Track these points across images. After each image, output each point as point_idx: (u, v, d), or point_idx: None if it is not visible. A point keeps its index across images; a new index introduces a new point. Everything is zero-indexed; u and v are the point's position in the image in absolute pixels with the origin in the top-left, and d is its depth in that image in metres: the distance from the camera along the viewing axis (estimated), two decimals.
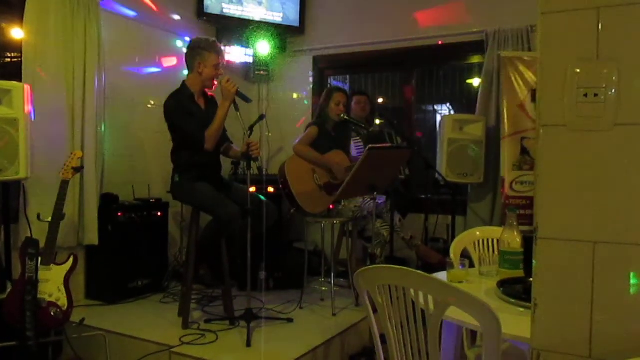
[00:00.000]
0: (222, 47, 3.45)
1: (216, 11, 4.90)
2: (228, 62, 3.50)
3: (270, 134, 5.34)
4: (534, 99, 3.93)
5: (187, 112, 3.28)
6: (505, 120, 4.03)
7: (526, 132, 3.98)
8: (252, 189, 3.20)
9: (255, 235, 3.12)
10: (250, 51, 5.15)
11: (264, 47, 5.07)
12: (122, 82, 4.22)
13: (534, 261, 1.11)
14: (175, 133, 3.38)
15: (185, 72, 3.51)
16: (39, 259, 2.77)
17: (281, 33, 5.19)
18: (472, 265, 2.29)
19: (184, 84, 3.39)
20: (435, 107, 5.64)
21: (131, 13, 4.28)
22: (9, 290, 2.93)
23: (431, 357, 1.52)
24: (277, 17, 5.15)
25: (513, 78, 4.01)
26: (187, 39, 4.79)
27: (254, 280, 3.67)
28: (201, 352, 2.85)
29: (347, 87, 5.73)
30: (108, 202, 3.85)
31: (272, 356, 2.82)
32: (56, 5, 3.56)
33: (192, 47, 3.39)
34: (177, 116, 3.28)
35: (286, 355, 2.82)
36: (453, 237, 3.61)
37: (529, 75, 3.96)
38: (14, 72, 3.45)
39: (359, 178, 3.24)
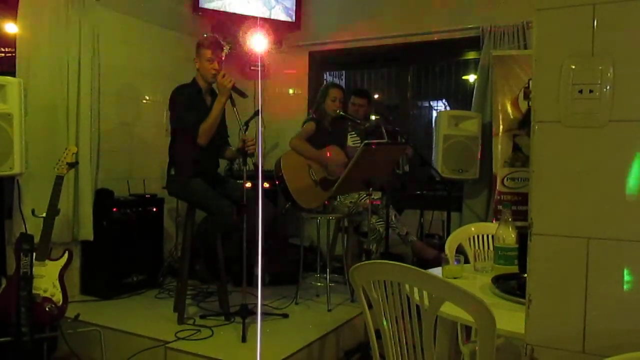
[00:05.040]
0: (222, 43, 3.43)
1: (212, 6, 4.88)
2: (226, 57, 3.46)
3: (265, 130, 5.33)
4: (526, 96, 3.95)
5: (189, 104, 3.29)
6: (498, 118, 4.05)
7: (518, 129, 4.00)
8: (248, 185, 3.20)
9: (251, 230, 3.12)
10: (246, 46, 5.13)
11: (259, 42, 5.04)
12: (117, 77, 4.20)
13: (528, 257, 1.11)
14: (174, 124, 3.39)
15: (181, 67, 3.51)
16: (34, 254, 2.77)
17: (277, 28, 5.17)
18: (467, 261, 2.29)
19: (193, 79, 3.43)
20: (431, 103, 5.64)
21: (126, 7, 4.26)
22: (3, 286, 2.93)
23: (426, 352, 1.53)
24: (273, 13, 5.13)
25: (505, 76, 4.03)
26: (183, 34, 4.79)
27: (249, 275, 3.67)
28: (196, 348, 2.85)
29: (342, 83, 5.72)
30: (103, 197, 3.84)
31: (267, 351, 2.81)
32: (51, 0, 3.53)
33: (196, 45, 3.42)
34: (179, 107, 3.30)
35: (281, 351, 2.82)
36: (448, 233, 3.61)
37: (521, 73, 3.98)
38: (7, 67, 3.43)
39: (355, 174, 3.24)
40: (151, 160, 4.43)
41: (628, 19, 1.02)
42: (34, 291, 2.74)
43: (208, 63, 3.31)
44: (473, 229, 2.64)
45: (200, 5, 4.82)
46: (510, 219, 2.09)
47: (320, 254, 4.17)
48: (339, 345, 3.27)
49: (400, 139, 4.33)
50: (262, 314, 3.37)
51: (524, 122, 3.91)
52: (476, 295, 1.42)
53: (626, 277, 1.03)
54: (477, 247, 2.53)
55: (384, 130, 4.27)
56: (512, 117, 4.01)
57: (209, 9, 4.88)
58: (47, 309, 2.78)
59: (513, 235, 2.07)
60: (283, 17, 5.18)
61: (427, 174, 4.27)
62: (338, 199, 4.00)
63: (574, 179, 1.07)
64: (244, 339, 2.93)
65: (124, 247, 3.84)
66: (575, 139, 1.07)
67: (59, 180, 2.97)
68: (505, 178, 4.03)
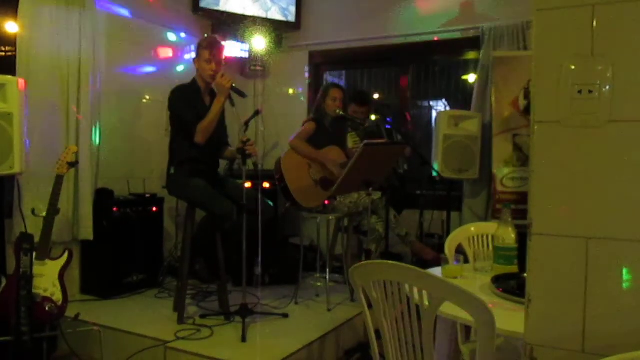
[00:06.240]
0: (221, 44, 3.44)
1: (212, 6, 4.88)
2: (226, 58, 3.47)
3: (265, 130, 5.33)
4: (526, 97, 3.96)
5: (188, 103, 3.30)
6: (498, 118, 4.05)
7: (518, 129, 4.01)
8: (248, 185, 3.20)
9: (251, 230, 3.12)
10: (245, 46, 5.14)
11: (259, 42, 5.06)
12: (117, 76, 4.20)
13: (528, 257, 1.11)
14: (174, 124, 3.40)
15: (181, 67, 3.51)
16: (34, 254, 2.77)
17: (277, 28, 5.17)
18: (466, 261, 2.29)
19: (193, 79, 3.44)
20: (431, 103, 5.65)
21: (126, 7, 4.26)
22: (3, 285, 2.93)
23: (425, 352, 1.53)
24: (272, 13, 5.13)
25: (505, 76, 4.04)
26: (183, 35, 4.79)
27: (249, 275, 3.67)
28: (196, 347, 2.85)
29: (342, 83, 5.72)
30: (103, 197, 3.84)
31: (267, 351, 2.82)
32: (51, 0, 3.53)
33: (196, 45, 3.44)
34: (178, 105, 3.31)
35: (281, 351, 2.82)
36: (448, 233, 3.61)
37: (522, 74, 3.98)
38: (8, 66, 3.43)
39: (355, 174, 3.24)
40: (151, 160, 4.43)
41: (627, 19, 1.02)
42: (34, 290, 2.74)
43: (206, 64, 3.32)
44: (473, 228, 2.64)
45: (200, 6, 4.82)
46: (510, 219, 2.09)
47: (320, 254, 4.17)
48: (339, 345, 3.27)
49: (395, 137, 4.32)
50: (262, 313, 3.38)
51: (527, 110, 3.91)
52: (476, 295, 1.43)
53: (625, 277, 1.03)
54: (476, 247, 2.53)
55: (383, 130, 4.27)
56: (512, 117, 4.02)
57: (209, 9, 4.88)
58: (47, 308, 2.78)
59: (513, 235, 2.07)
60: (280, 18, 5.18)
61: (427, 173, 4.28)
62: (338, 199, 4.00)
63: (573, 179, 1.07)
64: (244, 339, 2.93)
65: (124, 247, 3.84)
66: (575, 139, 1.07)
67: (59, 179, 2.97)
68: (505, 178, 4.04)
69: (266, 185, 4.31)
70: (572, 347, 1.07)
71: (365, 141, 3.23)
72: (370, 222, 3.75)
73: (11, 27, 3.57)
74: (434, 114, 5.35)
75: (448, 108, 5.43)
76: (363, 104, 4.46)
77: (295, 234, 4.65)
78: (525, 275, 1.13)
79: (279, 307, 3.56)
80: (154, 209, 4.10)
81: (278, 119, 5.35)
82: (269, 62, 5.30)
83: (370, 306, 1.67)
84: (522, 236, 1.88)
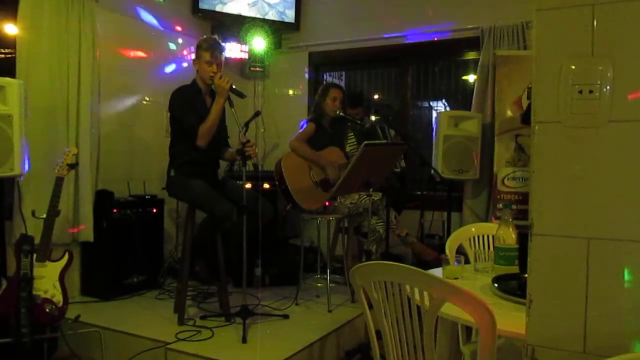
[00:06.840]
0: (222, 45, 3.44)
1: (211, 7, 4.88)
2: (226, 59, 3.46)
3: (265, 131, 5.34)
4: (529, 97, 3.95)
5: (189, 105, 3.29)
6: (500, 118, 4.05)
7: (520, 129, 4.01)
8: (248, 186, 3.19)
9: (251, 231, 3.12)
10: (245, 47, 5.14)
11: (259, 43, 5.06)
12: (117, 78, 4.20)
13: (529, 257, 1.11)
14: (174, 125, 3.40)
15: (181, 68, 3.50)
16: (34, 255, 2.77)
17: (276, 29, 5.17)
18: (467, 262, 2.29)
19: (193, 80, 3.43)
20: (431, 103, 5.64)
21: (126, 8, 4.26)
22: (3, 287, 2.93)
23: (426, 352, 1.53)
24: (272, 14, 5.14)
25: (508, 76, 4.03)
26: (183, 36, 4.79)
27: (249, 276, 3.67)
28: (197, 349, 2.85)
29: (342, 83, 5.72)
30: (103, 198, 3.84)
31: (267, 352, 2.82)
32: (50, 1, 3.54)
33: (195, 46, 3.43)
34: (179, 107, 3.31)
35: (282, 352, 2.82)
36: (448, 234, 3.61)
37: (524, 73, 3.98)
38: (7, 68, 3.43)
39: (355, 174, 3.24)
40: (151, 161, 4.43)
41: (628, 19, 1.02)
42: (34, 292, 2.74)
43: (206, 65, 3.31)
44: (473, 229, 2.63)
45: (199, 7, 4.82)
46: (510, 219, 2.09)
47: (321, 255, 4.17)
48: (339, 346, 3.27)
49: (388, 134, 4.31)
50: (263, 314, 3.38)
51: (526, 117, 3.91)
52: (477, 296, 1.42)
53: (627, 277, 1.03)
54: (477, 248, 2.53)
55: (379, 131, 4.27)
56: (514, 117, 4.02)
57: (209, 10, 4.88)
58: (47, 310, 2.78)
59: (513, 236, 2.07)
60: (284, 18, 5.18)
61: (427, 174, 4.27)
62: (338, 200, 4.00)
63: (574, 179, 1.07)
64: (244, 340, 2.93)
65: (124, 248, 3.84)
66: (575, 139, 1.07)
67: (59, 181, 2.97)
68: (506, 177, 4.04)
69: (266, 186, 4.31)
70: (573, 347, 1.07)
71: (365, 142, 3.22)
72: (370, 223, 3.75)
73: (11, 29, 3.57)
74: (434, 114, 5.34)
75: (448, 108, 5.42)
76: (355, 106, 4.47)
77: (295, 234, 4.64)
78: (526, 275, 1.13)
79: (280, 308, 3.56)
80: (154, 210, 4.10)
81: (278, 120, 5.35)
82: (268, 63, 5.30)
83: (370, 307, 1.66)
84: (523, 236, 1.88)
